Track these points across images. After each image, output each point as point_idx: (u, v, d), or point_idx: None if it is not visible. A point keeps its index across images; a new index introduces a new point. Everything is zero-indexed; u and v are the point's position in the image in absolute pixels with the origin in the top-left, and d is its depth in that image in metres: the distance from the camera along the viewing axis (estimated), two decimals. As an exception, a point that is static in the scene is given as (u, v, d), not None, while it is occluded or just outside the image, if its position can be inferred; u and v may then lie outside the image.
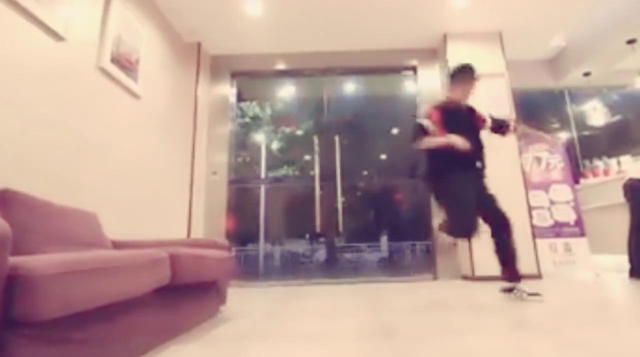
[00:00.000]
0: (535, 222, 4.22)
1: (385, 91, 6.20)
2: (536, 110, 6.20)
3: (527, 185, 4.12)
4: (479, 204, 2.65)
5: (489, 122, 2.92)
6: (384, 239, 8.35)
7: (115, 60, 2.89)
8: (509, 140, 4.10)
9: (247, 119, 8.12)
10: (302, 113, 8.91)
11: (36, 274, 0.97)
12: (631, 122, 6.21)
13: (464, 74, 2.81)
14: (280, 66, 4.78)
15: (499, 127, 2.97)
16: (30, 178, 2.04)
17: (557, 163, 4.74)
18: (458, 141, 2.53)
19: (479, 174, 2.79)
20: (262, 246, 8.13)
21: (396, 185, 8.20)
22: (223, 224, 4.31)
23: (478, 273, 3.77)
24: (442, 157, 2.65)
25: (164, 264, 1.62)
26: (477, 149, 2.73)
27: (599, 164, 5.16)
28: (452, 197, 2.67)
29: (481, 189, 2.76)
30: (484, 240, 3.83)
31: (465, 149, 2.53)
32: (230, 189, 4.49)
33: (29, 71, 2.11)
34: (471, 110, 2.91)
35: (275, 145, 9.05)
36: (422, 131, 2.71)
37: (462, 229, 2.65)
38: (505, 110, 4.16)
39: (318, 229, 4.42)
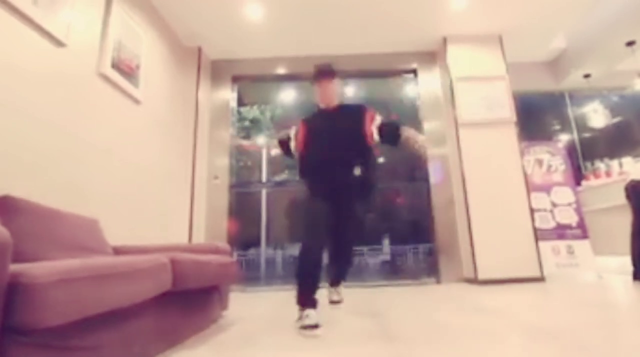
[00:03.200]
0: (538, 224, 4.21)
1: (385, 94, 6.20)
2: (537, 112, 6.20)
3: (529, 187, 4.11)
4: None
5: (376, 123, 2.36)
6: (385, 243, 8.33)
7: (116, 65, 2.90)
8: (510, 142, 4.11)
9: (246, 123, 8.13)
10: (302, 117, 8.90)
11: (37, 281, 0.96)
12: (632, 124, 6.20)
13: (314, 77, 2.47)
14: (281, 70, 4.79)
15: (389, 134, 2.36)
16: (31, 184, 2.04)
17: (559, 165, 4.74)
18: None
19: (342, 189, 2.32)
20: (264, 250, 8.11)
21: (397, 188, 8.18)
22: (224, 228, 4.30)
23: (481, 276, 3.75)
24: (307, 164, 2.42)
25: (166, 269, 1.61)
26: (344, 158, 2.29)
27: (601, 165, 5.15)
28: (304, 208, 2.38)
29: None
30: (486, 243, 3.84)
31: None
32: (231, 193, 4.48)
33: (30, 77, 2.11)
34: (351, 111, 2.45)
35: (275, 151, 9.04)
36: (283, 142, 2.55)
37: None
38: (506, 113, 4.16)
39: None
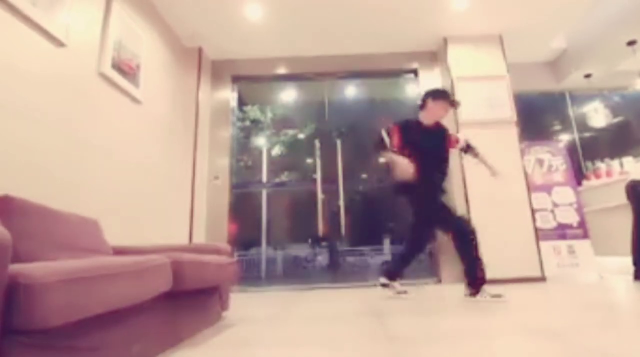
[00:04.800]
0: (539, 224, 4.20)
1: (386, 94, 6.20)
2: (537, 112, 6.20)
3: (530, 187, 4.10)
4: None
5: (462, 144, 3.18)
6: (386, 242, 8.32)
7: (116, 65, 2.90)
8: (510, 142, 4.10)
9: (247, 123, 8.12)
10: (303, 117, 8.92)
11: (36, 281, 0.96)
12: (632, 124, 6.20)
13: (450, 101, 3.05)
14: (281, 70, 4.79)
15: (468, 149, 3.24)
16: (31, 184, 2.04)
17: (559, 165, 4.73)
18: (402, 164, 2.75)
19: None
20: (265, 251, 8.11)
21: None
22: (225, 228, 4.30)
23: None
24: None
25: (166, 270, 1.61)
26: (437, 169, 2.98)
27: (601, 165, 5.15)
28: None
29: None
30: (487, 243, 3.83)
31: (405, 175, 2.75)
32: (232, 193, 4.48)
33: (30, 77, 2.11)
34: (441, 130, 3.11)
35: (276, 150, 9.05)
36: (381, 143, 2.97)
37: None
38: (506, 113, 4.15)
39: (320, 233, 4.40)
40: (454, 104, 3.09)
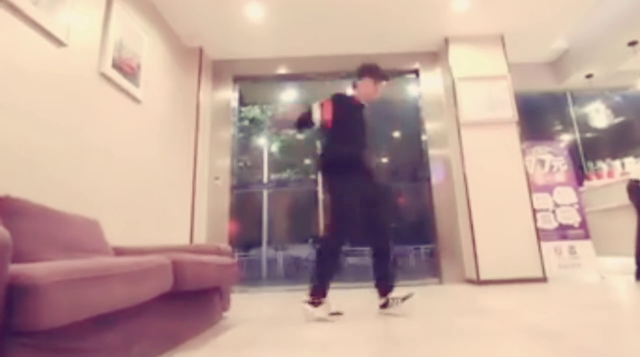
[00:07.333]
0: (540, 225, 4.20)
1: (387, 94, 6.19)
2: (539, 112, 6.19)
3: (531, 188, 4.09)
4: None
5: None
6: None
7: (117, 65, 2.89)
8: (512, 142, 4.10)
9: (246, 122, 8.12)
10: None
11: (37, 282, 0.95)
12: (634, 124, 6.19)
13: (378, 76, 2.73)
14: (282, 70, 4.78)
15: None
16: (32, 185, 2.03)
17: (561, 165, 4.72)
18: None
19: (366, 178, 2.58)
20: (265, 251, 8.10)
21: (399, 188, 8.17)
22: (226, 229, 4.29)
23: (483, 277, 3.74)
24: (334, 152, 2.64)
25: (167, 270, 1.60)
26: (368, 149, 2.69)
27: (603, 166, 5.14)
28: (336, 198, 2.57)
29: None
30: (488, 244, 3.83)
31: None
32: (232, 193, 4.47)
33: (30, 77, 2.11)
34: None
35: (275, 148, 9.05)
36: (306, 116, 2.68)
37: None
38: (508, 113, 4.15)
39: (321, 234, 4.39)
40: (382, 77, 2.75)
